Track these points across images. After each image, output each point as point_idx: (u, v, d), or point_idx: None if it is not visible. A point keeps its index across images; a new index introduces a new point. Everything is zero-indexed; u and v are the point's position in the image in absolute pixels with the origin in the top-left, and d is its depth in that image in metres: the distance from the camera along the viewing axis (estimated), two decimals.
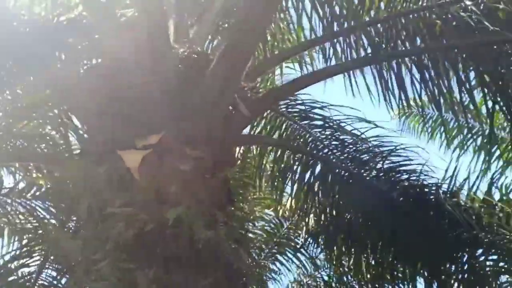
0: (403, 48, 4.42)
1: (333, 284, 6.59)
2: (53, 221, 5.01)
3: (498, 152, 7.43)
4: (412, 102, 5.59)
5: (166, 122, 2.88)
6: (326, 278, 6.96)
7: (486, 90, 4.38)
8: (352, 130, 5.56)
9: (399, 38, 4.46)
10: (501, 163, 7.35)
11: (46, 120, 5.17)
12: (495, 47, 4.02)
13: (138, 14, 3.06)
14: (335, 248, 5.37)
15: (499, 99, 3.96)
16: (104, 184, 2.68)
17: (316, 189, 5.33)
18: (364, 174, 5.24)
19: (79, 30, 3.91)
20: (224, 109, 3.02)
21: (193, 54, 3.11)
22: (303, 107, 5.49)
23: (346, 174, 5.21)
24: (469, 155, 7.00)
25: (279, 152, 5.18)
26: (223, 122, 3.00)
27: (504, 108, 4.20)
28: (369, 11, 4.54)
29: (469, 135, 7.90)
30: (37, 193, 5.84)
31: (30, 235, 5.04)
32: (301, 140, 5.39)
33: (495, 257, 5.23)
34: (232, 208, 2.76)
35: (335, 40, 4.51)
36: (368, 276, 5.28)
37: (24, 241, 5.01)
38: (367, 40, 4.36)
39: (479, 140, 7.75)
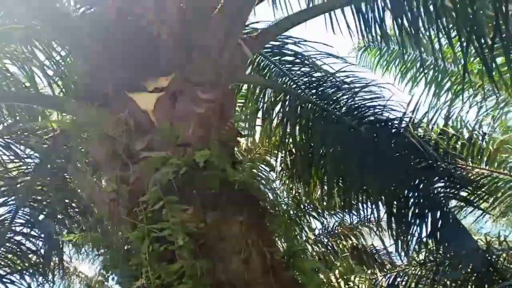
0: None
1: (291, 212, 7.02)
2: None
3: (448, 85, 8.02)
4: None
5: (174, 64, 2.86)
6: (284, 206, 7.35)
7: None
8: (322, 65, 5.76)
9: None
10: (449, 95, 7.96)
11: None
12: None
13: None
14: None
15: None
16: (120, 127, 2.66)
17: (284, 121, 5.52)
18: (335, 110, 5.50)
19: None
20: (230, 52, 3.02)
21: None
22: (276, 43, 5.56)
23: (319, 110, 5.45)
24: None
25: (257, 90, 5.27)
26: (228, 65, 3.02)
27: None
28: None
29: (421, 69, 8.41)
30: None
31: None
32: (276, 76, 5.50)
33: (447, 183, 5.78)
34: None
35: None
36: (337, 203, 5.71)
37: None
38: None
39: (430, 73, 8.29)
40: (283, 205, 6.17)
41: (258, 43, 3.52)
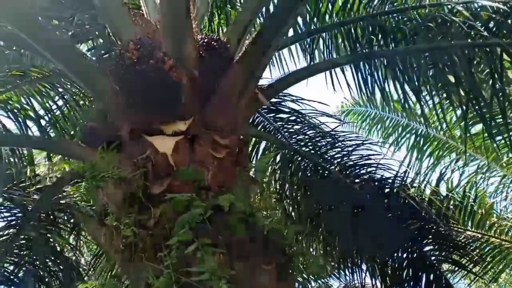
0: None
1: None
2: None
3: (429, 150, 8.26)
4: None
5: (193, 108, 2.83)
6: None
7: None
8: (319, 124, 5.85)
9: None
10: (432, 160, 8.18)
11: None
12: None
13: None
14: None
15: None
16: (138, 170, 2.56)
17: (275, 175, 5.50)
18: (330, 168, 5.52)
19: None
20: (247, 99, 3.03)
21: (212, 41, 3.06)
22: (275, 100, 5.65)
23: (314, 166, 5.47)
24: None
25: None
26: (245, 112, 3.02)
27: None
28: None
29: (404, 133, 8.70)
30: None
31: None
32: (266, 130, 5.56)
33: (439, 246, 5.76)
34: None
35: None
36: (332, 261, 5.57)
37: None
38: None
39: (412, 138, 8.56)
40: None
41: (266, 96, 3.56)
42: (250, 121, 5.59)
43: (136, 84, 2.73)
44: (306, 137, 5.83)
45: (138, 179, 2.54)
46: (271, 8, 3.42)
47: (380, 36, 4.72)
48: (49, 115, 4.55)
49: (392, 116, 8.80)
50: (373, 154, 5.54)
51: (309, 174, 5.36)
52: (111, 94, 2.83)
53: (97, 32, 3.47)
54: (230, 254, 2.20)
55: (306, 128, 5.75)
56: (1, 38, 3.37)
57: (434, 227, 5.63)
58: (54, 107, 4.60)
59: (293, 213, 5.43)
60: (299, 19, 4.64)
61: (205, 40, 3.04)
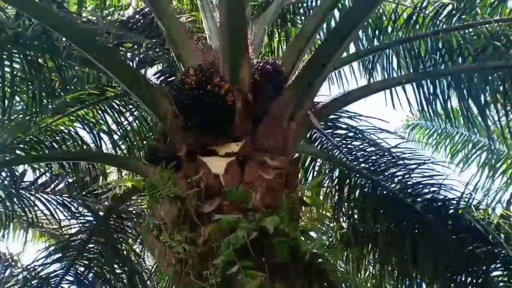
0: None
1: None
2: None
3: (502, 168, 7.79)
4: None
5: (245, 131, 2.96)
6: None
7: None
8: (377, 140, 5.75)
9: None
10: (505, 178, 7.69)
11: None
12: None
13: (219, 24, 3.13)
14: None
15: None
16: (192, 189, 2.73)
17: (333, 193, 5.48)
18: (390, 186, 5.42)
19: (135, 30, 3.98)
20: (298, 122, 3.12)
21: (267, 65, 3.19)
22: (332, 116, 5.65)
23: (373, 185, 5.39)
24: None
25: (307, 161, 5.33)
26: (296, 133, 3.10)
27: None
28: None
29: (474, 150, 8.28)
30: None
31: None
32: (325, 149, 5.55)
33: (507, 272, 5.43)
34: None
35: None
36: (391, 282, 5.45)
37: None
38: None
39: (483, 155, 8.12)
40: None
41: (320, 115, 3.62)
42: (308, 136, 5.64)
43: (194, 108, 2.91)
44: (365, 153, 5.76)
45: (191, 197, 2.70)
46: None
47: (444, 52, 4.61)
48: (121, 130, 4.91)
49: (462, 131, 8.41)
50: (436, 175, 5.36)
51: (367, 193, 5.30)
52: (172, 116, 3.04)
53: (163, 57, 3.73)
54: (272, 276, 2.28)
55: (365, 144, 5.69)
56: (80, 63, 3.72)
57: (503, 252, 5.34)
58: (125, 122, 4.96)
59: (348, 232, 5.38)
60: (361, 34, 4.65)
61: (261, 64, 3.17)
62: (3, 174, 5.39)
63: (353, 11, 2.88)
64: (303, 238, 2.45)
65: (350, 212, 5.35)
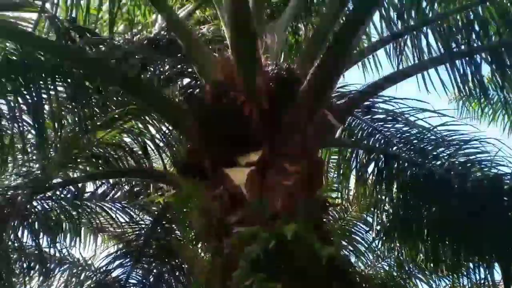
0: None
1: (394, 273, 6.65)
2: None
3: None
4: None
5: (263, 139, 3.07)
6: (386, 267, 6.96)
7: None
8: (415, 121, 5.59)
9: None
10: None
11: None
12: None
13: (229, 36, 3.23)
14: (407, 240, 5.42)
15: None
16: (215, 201, 2.90)
17: (384, 184, 5.43)
18: (434, 168, 5.28)
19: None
20: (316, 124, 3.17)
21: (281, 71, 3.25)
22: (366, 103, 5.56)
23: (416, 168, 5.28)
24: None
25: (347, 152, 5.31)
26: (315, 136, 3.15)
27: None
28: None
29: None
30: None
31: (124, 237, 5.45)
32: (367, 136, 5.48)
33: None
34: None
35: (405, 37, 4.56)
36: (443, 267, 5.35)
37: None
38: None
39: None
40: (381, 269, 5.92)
41: (347, 107, 3.63)
42: (346, 125, 5.59)
43: (213, 121, 3.06)
44: (409, 136, 5.63)
45: (216, 209, 2.86)
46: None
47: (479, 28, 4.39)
48: (164, 141, 5.19)
49: None
50: (483, 152, 5.14)
51: (410, 178, 5.20)
52: (194, 131, 3.20)
53: (186, 72, 3.90)
54: (292, 283, 2.38)
55: (407, 127, 5.56)
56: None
57: None
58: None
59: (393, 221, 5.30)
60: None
61: (275, 71, 3.24)
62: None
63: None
64: (321, 242, 2.51)
65: (395, 198, 5.28)
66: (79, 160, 5.72)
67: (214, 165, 3.08)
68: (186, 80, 4.45)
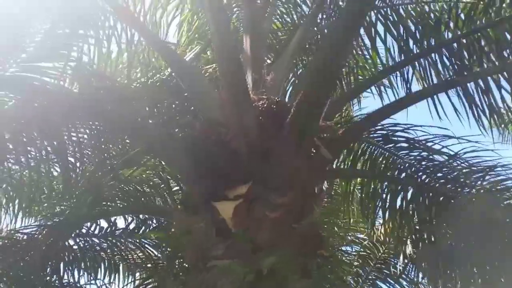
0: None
1: None
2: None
3: None
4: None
5: (252, 172, 3.11)
6: None
7: None
8: (441, 148, 5.38)
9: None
10: None
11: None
12: None
13: (219, 72, 3.36)
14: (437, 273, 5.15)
15: None
16: (203, 235, 2.95)
17: (409, 214, 5.23)
18: (462, 195, 5.03)
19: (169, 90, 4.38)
20: (305, 154, 3.17)
21: (272, 105, 3.31)
22: (384, 132, 5.44)
23: (442, 197, 5.05)
24: None
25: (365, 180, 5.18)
26: (306, 166, 3.15)
27: None
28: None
29: None
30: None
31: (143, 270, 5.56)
32: (388, 165, 5.33)
33: None
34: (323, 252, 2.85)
35: (415, 63, 4.49)
36: None
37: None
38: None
39: None
40: None
41: (346, 138, 3.61)
42: (367, 156, 5.47)
43: (204, 157, 3.16)
44: (439, 164, 5.41)
45: (202, 242, 2.91)
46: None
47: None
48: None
49: None
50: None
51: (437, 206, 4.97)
52: (188, 168, 3.31)
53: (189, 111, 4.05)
54: None
55: (431, 155, 5.35)
56: None
57: None
58: None
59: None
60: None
61: (265, 105, 3.31)
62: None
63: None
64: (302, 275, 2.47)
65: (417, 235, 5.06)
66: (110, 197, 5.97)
67: (204, 198, 3.15)
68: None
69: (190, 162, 3.27)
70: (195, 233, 3.04)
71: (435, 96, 4.29)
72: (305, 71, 3.48)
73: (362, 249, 7.14)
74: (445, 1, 4.39)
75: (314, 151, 3.25)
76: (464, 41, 4.29)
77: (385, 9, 4.57)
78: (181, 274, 3.09)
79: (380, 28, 4.56)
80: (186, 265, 3.14)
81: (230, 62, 3.14)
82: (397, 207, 5.26)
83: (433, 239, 5.02)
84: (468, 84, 4.27)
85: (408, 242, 5.36)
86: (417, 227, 5.19)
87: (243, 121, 3.18)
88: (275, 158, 3.14)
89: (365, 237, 7.23)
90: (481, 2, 4.29)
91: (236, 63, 3.15)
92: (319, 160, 3.28)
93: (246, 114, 3.19)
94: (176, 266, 3.60)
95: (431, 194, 5.12)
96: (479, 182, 5.02)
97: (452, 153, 5.22)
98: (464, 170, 5.21)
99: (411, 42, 4.53)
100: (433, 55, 4.32)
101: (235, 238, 2.88)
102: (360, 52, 4.94)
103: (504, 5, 4.07)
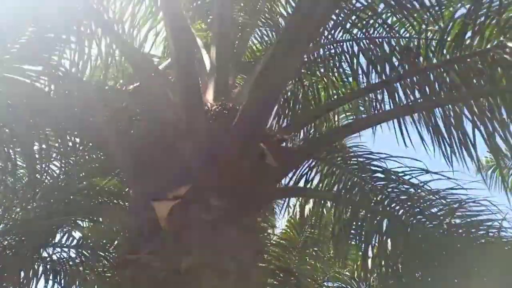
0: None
1: None
2: None
3: None
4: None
5: (194, 174, 3.04)
6: None
7: None
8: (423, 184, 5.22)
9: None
10: None
11: None
12: None
13: (173, 75, 3.36)
14: None
15: None
16: (137, 233, 2.86)
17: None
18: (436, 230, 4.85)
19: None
20: (251, 160, 3.11)
21: (224, 110, 3.28)
22: (361, 159, 5.32)
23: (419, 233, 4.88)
24: None
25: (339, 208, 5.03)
26: (249, 172, 3.08)
27: None
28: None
29: None
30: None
31: None
32: (363, 194, 5.19)
33: None
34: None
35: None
36: None
37: None
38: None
39: None
40: None
41: (301, 152, 3.55)
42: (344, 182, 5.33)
43: (146, 156, 3.11)
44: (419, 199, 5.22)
45: (134, 241, 2.82)
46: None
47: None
48: None
49: None
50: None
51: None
52: (130, 166, 3.26)
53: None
54: None
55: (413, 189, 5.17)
56: None
57: None
58: None
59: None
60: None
61: (217, 110, 3.28)
62: None
63: None
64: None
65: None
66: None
67: (145, 198, 3.07)
68: None
69: (133, 160, 3.22)
70: (130, 231, 2.95)
71: (401, 120, 4.23)
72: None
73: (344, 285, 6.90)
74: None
75: (260, 158, 3.17)
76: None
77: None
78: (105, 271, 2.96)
79: None
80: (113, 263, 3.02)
81: (185, 66, 3.15)
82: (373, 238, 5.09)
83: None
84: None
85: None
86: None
87: (191, 123, 3.13)
88: (220, 161, 3.07)
89: (347, 273, 6.99)
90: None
91: (190, 68, 3.16)
92: (265, 167, 3.20)
93: (195, 116, 3.16)
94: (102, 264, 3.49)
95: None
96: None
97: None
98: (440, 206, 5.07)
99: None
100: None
101: (164, 237, 2.77)
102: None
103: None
